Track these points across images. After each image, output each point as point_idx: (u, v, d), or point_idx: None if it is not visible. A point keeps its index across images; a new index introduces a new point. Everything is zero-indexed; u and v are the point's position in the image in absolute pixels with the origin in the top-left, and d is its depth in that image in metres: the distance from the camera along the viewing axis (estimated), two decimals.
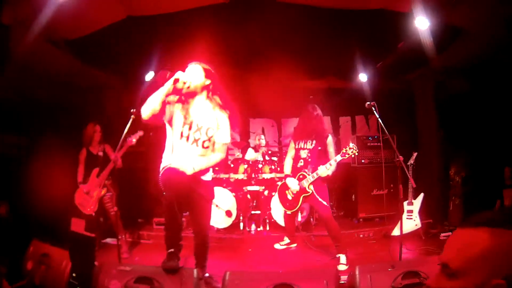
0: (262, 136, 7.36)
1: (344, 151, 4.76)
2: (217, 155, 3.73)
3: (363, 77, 7.07)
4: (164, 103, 3.51)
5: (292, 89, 7.88)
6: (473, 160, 6.24)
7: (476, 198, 6.01)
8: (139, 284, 2.74)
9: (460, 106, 6.29)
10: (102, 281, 2.86)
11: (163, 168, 3.56)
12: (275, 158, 7.32)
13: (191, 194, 3.60)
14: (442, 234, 5.98)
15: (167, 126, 3.73)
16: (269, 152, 7.28)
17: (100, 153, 5.52)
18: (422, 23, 4.85)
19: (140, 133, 5.32)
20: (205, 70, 3.72)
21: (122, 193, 5.64)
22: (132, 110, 4.46)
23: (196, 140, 3.65)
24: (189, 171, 3.41)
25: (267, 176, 6.80)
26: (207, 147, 3.69)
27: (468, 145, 6.19)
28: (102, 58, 6.13)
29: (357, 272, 3.09)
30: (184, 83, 3.51)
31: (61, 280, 3.17)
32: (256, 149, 7.22)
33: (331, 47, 6.20)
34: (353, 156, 4.81)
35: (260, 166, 6.92)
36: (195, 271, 2.84)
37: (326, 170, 4.80)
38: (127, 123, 4.49)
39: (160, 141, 7.09)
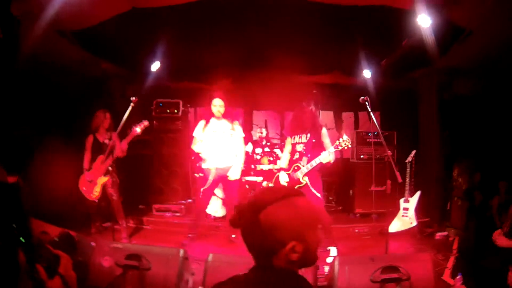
0: (263, 129, 7.50)
1: (337, 143, 4.86)
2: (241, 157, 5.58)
3: (367, 73, 7.09)
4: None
5: (296, 83, 7.91)
6: (477, 162, 6.19)
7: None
8: (129, 261, 2.91)
9: (464, 106, 6.26)
10: (95, 257, 3.04)
11: None
12: (278, 151, 7.42)
13: None
14: (438, 234, 5.98)
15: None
16: (268, 144, 7.38)
17: (107, 141, 5.54)
18: (424, 21, 4.85)
19: (145, 122, 5.46)
20: (224, 102, 5.46)
21: (124, 180, 5.79)
22: (132, 98, 4.59)
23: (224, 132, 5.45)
24: None
25: (265, 167, 6.94)
26: (232, 135, 5.50)
27: (473, 146, 6.15)
28: (107, 48, 6.23)
29: (336, 263, 3.17)
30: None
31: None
32: (259, 141, 7.37)
33: (336, 43, 6.25)
34: (346, 148, 4.88)
35: (258, 157, 7.05)
36: (181, 251, 2.99)
37: (328, 156, 4.88)
38: (132, 110, 4.65)
39: (163, 130, 7.36)
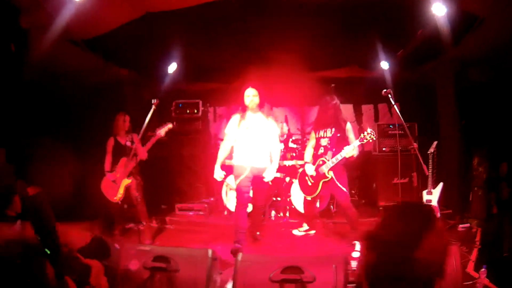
0: (285, 124, 7.46)
1: (362, 136, 4.88)
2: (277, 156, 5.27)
3: (384, 65, 7.00)
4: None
5: (314, 78, 7.87)
6: (495, 151, 6.09)
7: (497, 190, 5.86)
8: (156, 263, 2.91)
9: (481, 95, 6.16)
10: (122, 261, 3.05)
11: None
12: (296, 146, 7.37)
13: None
14: (461, 226, 5.92)
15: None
16: (291, 139, 7.35)
17: (128, 143, 5.57)
18: (439, 9, 4.79)
19: (169, 125, 5.51)
20: (259, 91, 5.08)
21: (146, 181, 5.83)
22: (153, 101, 4.62)
23: (255, 132, 5.06)
24: None
25: (288, 163, 6.90)
26: (264, 139, 5.12)
27: (491, 135, 6.05)
28: (122, 54, 6.29)
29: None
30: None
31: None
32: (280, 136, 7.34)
33: (351, 36, 6.17)
34: (370, 141, 4.91)
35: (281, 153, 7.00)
36: (209, 251, 2.98)
37: (352, 150, 4.91)
38: (153, 113, 4.68)
39: (184, 131, 7.39)
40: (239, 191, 4.98)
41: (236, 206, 5.04)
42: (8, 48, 4.27)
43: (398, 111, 4.44)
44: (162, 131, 5.44)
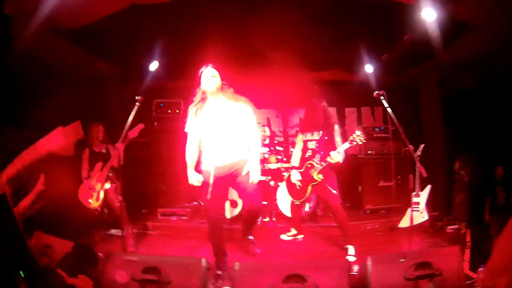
0: (266, 128, 7.30)
1: (351, 138, 4.77)
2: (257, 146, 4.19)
3: (369, 68, 7.03)
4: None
5: (297, 80, 7.77)
6: (477, 155, 6.14)
7: (481, 193, 5.88)
8: (146, 275, 2.67)
9: (465, 101, 6.20)
10: (108, 271, 2.79)
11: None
12: (280, 148, 7.25)
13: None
14: (449, 227, 5.91)
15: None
16: (276, 142, 7.21)
17: (103, 150, 5.56)
18: (429, 15, 4.82)
19: (141, 126, 5.30)
20: (219, 72, 4.11)
21: (125, 184, 5.54)
22: (137, 97, 4.40)
23: (223, 125, 4.01)
24: None
25: (273, 166, 6.79)
26: (235, 129, 4.06)
27: (473, 140, 6.07)
28: (104, 47, 6.06)
29: (369, 263, 3.05)
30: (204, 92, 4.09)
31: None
32: (262, 140, 7.16)
33: (337, 38, 6.15)
34: (360, 143, 4.79)
35: (266, 156, 6.88)
36: (203, 260, 2.76)
37: (337, 154, 4.80)
38: (131, 111, 4.46)
39: (165, 131, 7.13)
40: (208, 208, 4.11)
41: (208, 228, 4.15)
42: None
43: (391, 113, 4.34)
44: (134, 132, 5.24)
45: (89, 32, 5.33)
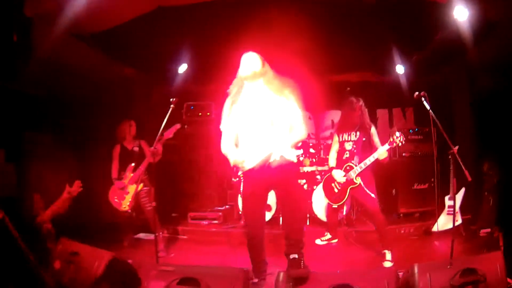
0: None
1: (391, 140, 4.65)
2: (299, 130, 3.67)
3: (400, 69, 6.91)
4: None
5: (329, 82, 7.78)
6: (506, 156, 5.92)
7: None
8: (183, 286, 2.55)
9: (495, 101, 5.98)
10: (142, 284, 2.69)
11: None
12: (313, 151, 7.12)
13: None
14: (482, 230, 5.67)
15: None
16: (311, 144, 7.07)
17: (136, 148, 5.37)
18: (461, 14, 4.70)
19: (177, 126, 5.18)
20: (260, 57, 3.65)
21: (156, 187, 5.49)
22: (171, 100, 4.32)
23: (261, 118, 3.54)
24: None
25: (307, 169, 6.68)
26: (274, 124, 3.55)
27: (502, 140, 5.85)
28: (131, 51, 6.03)
29: (415, 271, 2.97)
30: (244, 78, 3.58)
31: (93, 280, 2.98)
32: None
33: (368, 38, 6.04)
34: (400, 144, 4.69)
35: (300, 159, 6.76)
36: (245, 270, 2.64)
37: (384, 151, 4.72)
38: (162, 114, 4.37)
39: (196, 134, 7.07)
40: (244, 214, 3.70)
41: (247, 238, 3.61)
42: (10, 38, 3.96)
43: (433, 115, 4.20)
44: (171, 134, 5.12)
45: (114, 35, 5.28)
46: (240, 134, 3.69)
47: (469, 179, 3.98)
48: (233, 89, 3.75)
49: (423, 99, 4.25)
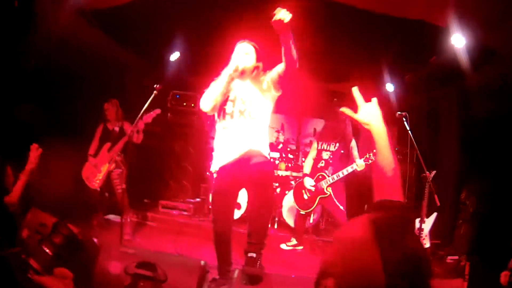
0: (280, 133, 7.20)
1: (367, 156, 4.72)
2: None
3: (389, 87, 6.94)
4: (226, 92, 3.37)
5: (316, 90, 7.77)
6: (488, 187, 5.97)
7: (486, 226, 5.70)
8: (141, 270, 2.56)
9: (483, 129, 5.99)
10: (101, 262, 2.69)
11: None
12: (291, 156, 7.13)
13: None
14: (449, 257, 5.75)
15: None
16: (288, 149, 7.09)
17: (116, 128, 5.36)
18: (458, 41, 4.76)
19: (157, 110, 5.16)
20: (256, 51, 3.49)
21: (131, 171, 5.46)
22: (155, 86, 4.34)
23: (242, 112, 3.34)
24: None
25: (282, 173, 6.69)
26: (255, 118, 3.37)
27: (486, 170, 5.90)
28: (127, 33, 6.02)
29: None
30: (237, 69, 3.28)
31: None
32: (275, 145, 7.06)
33: (361, 52, 6.08)
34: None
35: (276, 162, 6.78)
36: (202, 262, 2.66)
37: (363, 163, 4.75)
38: (149, 98, 4.40)
39: (178, 124, 7.06)
40: (213, 209, 3.44)
41: (214, 235, 3.36)
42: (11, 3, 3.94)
43: (411, 136, 4.25)
44: (150, 118, 5.08)
45: (113, 17, 5.28)
46: (218, 126, 3.53)
47: (438, 204, 4.07)
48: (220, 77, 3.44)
49: (404, 119, 4.29)
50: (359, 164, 4.76)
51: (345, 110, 1.84)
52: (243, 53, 3.40)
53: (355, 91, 1.80)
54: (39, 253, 2.57)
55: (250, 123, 3.36)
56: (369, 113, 1.71)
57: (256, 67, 3.46)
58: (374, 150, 4.47)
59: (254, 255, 2.86)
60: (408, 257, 1.04)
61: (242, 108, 3.36)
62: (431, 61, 5.84)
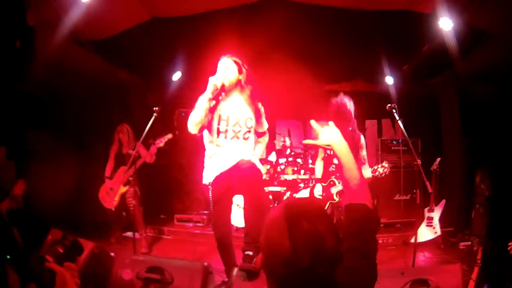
0: (287, 138, 7.35)
1: (375, 167, 4.61)
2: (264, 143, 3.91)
3: (389, 80, 6.92)
4: (210, 110, 3.42)
5: (319, 91, 7.77)
6: (499, 168, 5.99)
7: (502, 207, 5.74)
8: (150, 274, 2.82)
9: (485, 112, 6.09)
10: (116, 269, 2.96)
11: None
12: (298, 160, 7.27)
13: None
14: (462, 244, 5.78)
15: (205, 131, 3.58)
16: (292, 153, 7.23)
17: (130, 151, 5.49)
18: (445, 24, 4.72)
19: (169, 136, 5.42)
20: (237, 64, 3.54)
21: (145, 190, 5.79)
22: (154, 108, 4.57)
23: (236, 133, 3.53)
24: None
25: (289, 177, 6.74)
26: (247, 138, 3.60)
27: (494, 152, 5.95)
28: (127, 58, 6.27)
29: None
30: (218, 86, 3.37)
31: None
32: (282, 150, 7.23)
33: (357, 49, 6.17)
34: (383, 176, 4.60)
35: (283, 167, 6.88)
36: (205, 264, 2.90)
37: (368, 172, 4.61)
38: (157, 119, 4.66)
39: (185, 140, 7.30)
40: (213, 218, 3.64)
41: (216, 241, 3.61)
42: (14, 44, 4.21)
43: (402, 127, 4.32)
44: (162, 142, 5.38)
45: (112, 43, 5.50)
46: (210, 142, 3.64)
47: (430, 190, 4.16)
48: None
49: (394, 110, 4.34)
50: (366, 175, 4.54)
51: (307, 141, 2.12)
52: (223, 68, 3.51)
53: (312, 122, 2.04)
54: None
55: (242, 142, 3.60)
56: (328, 136, 1.92)
57: (238, 81, 3.56)
58: (384, 163, 4.47)
59: (250, 253, 3.06)
60: (313, 234, 1.22)
61: (237, 130, 3.53)
62: (424, 49, 5.81)
